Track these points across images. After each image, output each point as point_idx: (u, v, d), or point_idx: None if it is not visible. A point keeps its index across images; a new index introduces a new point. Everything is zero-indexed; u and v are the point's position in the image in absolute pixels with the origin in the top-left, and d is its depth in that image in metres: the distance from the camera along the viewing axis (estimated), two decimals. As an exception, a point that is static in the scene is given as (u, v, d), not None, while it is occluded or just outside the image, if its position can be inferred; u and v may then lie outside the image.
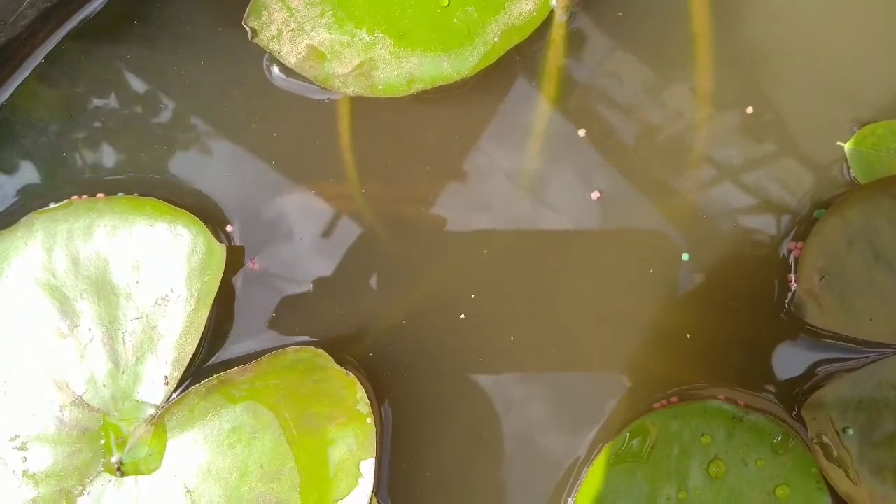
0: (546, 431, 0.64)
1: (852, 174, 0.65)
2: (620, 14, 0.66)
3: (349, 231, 0.65)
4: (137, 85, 0.66)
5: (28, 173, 0.65)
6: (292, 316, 0.64)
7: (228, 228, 0.65)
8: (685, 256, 0.64)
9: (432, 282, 0.65)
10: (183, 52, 0.66)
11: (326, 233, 0.65)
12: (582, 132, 0.66)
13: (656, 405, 0.63)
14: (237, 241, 0.65)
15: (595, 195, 0.65)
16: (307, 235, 0.65)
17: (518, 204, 0.66)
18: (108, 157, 0.66)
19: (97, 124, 0.66)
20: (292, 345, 0.62)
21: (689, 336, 0.64)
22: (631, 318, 0.64)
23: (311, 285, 0.65)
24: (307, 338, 0.64)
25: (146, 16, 0.67)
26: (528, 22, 0.64)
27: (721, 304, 0.64)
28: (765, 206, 0.66)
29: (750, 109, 0.66)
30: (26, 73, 0.66)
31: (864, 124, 0.66)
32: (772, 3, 0.68)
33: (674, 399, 0.63)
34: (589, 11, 0.66)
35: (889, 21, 0.68)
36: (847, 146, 0.66)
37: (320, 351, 0.60)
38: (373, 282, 0.65)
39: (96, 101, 0.66)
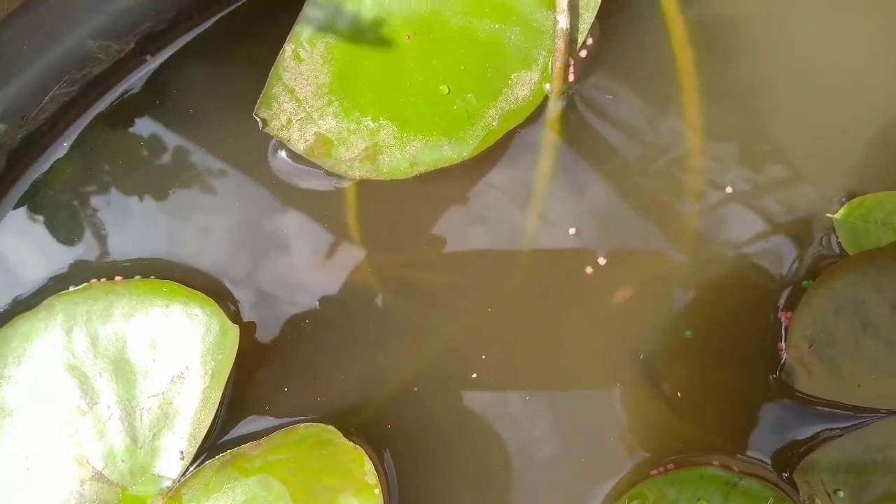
0: (551, 498, 0.66)
1: (840, 245, 0.68)
2: (611, 97, 0.70)
3: (356, 303, 0.68)
4: (154, 171, 0.69)
5: (48, 257, 0.68)
6: (302, 390, 0.67)
7: (239, 305, 0.68)
8: (688, 333, 0.67)
9: (438, 345, 0.68)
10: (198, 138, 0.69)
11: (334, 306, 0.68)
12: (579, 200, 0.69)
13: (653, 472, 0.65)
14: (247, 318, 0.67)
15: (596, 264, 0.68)
16: (313, 310, 0.68)
17: (519, 267, 0.69)
18: (124, 241, 0.68)
19: (113, 210, 0.69)
20: (302, 420, 0.65)
21: (679, 395, 0.66)
22: (631, 382, 0.67)
23: (320, 359, 0.67)
24: (315, 413, 0.66)
25: (163, 105, 0.70)
26: (525, 106, 0.67)
27: (714, 371, 0.67)
28: (756, 276, 0.68)
29: (741, 186, 0.69)
30: (49, 163, 0.68)
31: (853, 196, 0.68)
32: (763, 80, 0.71)
33: (670, 466, 0.65)
34: (582, 94, 0.70)
35: (875, 91, 0.71)
36: (836, 217, 0.68)
37: (329, 427, 0.62)
38: (379, 349, 0.68)
39: (113, 188, 0.69)
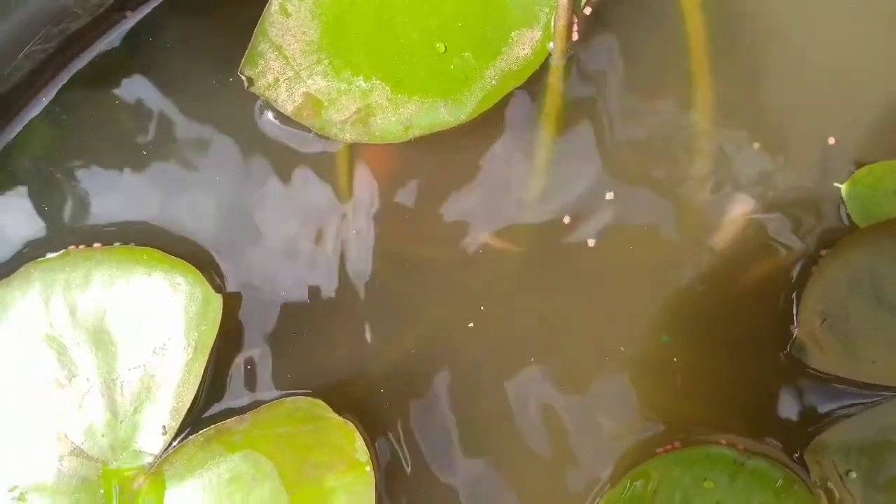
0: (548, 474, 0.64)
1: (850, 216, 0.65)
2: (617, 57, 0.66)
3: (347, 275, 0.65)
4: (133, 134, 0.66)
5: (25, 222, 0.65)
6: (290, 363, 0.64)
7: (224, 276, 0.65)
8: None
9: (432, 319, 0.65)
10: (179, 99, 0.66)
11: (323, 277, 0.65)
12: (587, 165, 0.66)
13: (659, 450, 0.63)
14: (232, 289, 0.65)
15: (600, 236, 0.65)
16: (302, 280, 0.65)
17: (518, 239, 0.66)
18: (104, 206, 0.66)
19: (92, 174, 0.66)
20: (290, 394, 0.62)
21: (679, 376, 0.64)
22: (632, 357, 0.65)
23: (310, 332, 0.65)
24: (305, 387, 0.64)
25: (143, 65, 0.67)
26: (526, 66, 0.64)
27: (723, 349, 0.65)
28: (765, 251, 0.66)
29: (747, 158, 0.66)
30: (23, 123, 0.66)
31: (862, 165, 0.66)
32: (773, 52, 0.68)
33: (676, 444, 0.63)
34: (586, 53, 0.67)
35: (883, 63, 0.68)
36: (844, 187, 0.66)
37: (318, 400, 0.60)
38: (371, 323, 0.65)
39: (90, 151, 0.66)
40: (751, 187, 0.66)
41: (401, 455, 0.64)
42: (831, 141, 0.67)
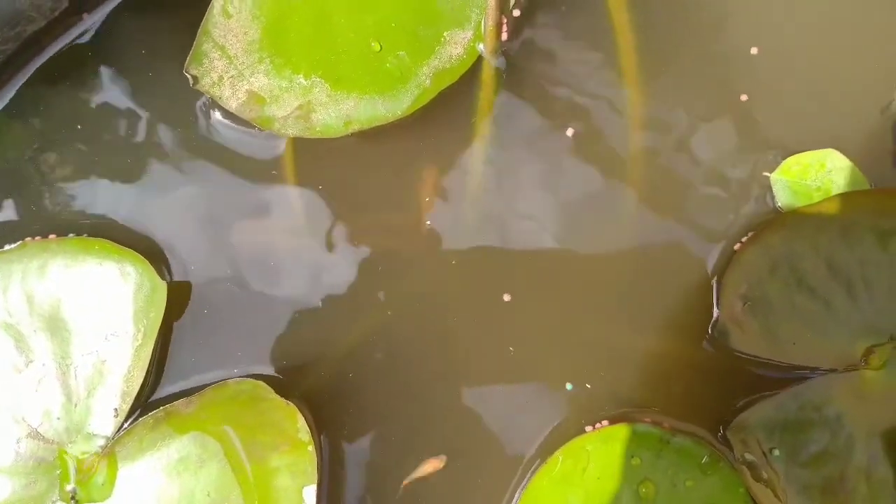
0: (485, 453, 0.66)
1: (777, 203, 0.68)
2: (545, 55, 0.69)
3: (294, 266, 0.68)
4: (89, 129, 0.69)
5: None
6: (238, 349, 0.67)
7: (173, 266, 0.68)
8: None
9: (380, 311, 0.68)
10: (134, 96, 0.69)
11: (272, 267, 0.68)
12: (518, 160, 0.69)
13: (588, 428, 0.65)
14: (180, 278, 0.68)
15: (535, 223, 0.68)
16: (252, 271, 0.68)
17: (462, 230, 0.69)
18: (60, 199, 0.68)
19: (48, 168, 0.69)
20: (236, 377, 0.65)
21: (607, 358, 0.66)
22: (562, 340, 0.67)
23: (256, 320, 0.67)
24: (252, 372, 0.67)
25: (100, 63, 0.70)
26: (459, 65, 0.67)
27: (649, 329, 0.67)
28: (692, 236, 0.68)
29: (677, 145, 0.69)
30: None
31: (790, 154, 0.68)
32: (698, 37, 0.70)
33: (604, 422, 0.65)
34: (516, 52, 0.69)
35: (815, 54, 0.71)
36: (773, 176, 0.68)
37: (261, 382, 0.62)
38: (319, 312, 0.68)
39: (47, 147, 0.69)
40: (683, 175, 0.69)
41: (345, 435, 0.66)
42: (766, 127, 0.69)
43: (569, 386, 0.66)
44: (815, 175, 0.67)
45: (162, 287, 0.64)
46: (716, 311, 0.66)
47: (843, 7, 0.71)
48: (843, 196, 0.66)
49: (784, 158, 0.68)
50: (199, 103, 0.68)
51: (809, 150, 0.68)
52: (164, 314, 0.64)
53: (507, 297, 0.68)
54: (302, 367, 0.67)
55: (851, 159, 0.67)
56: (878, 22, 0.71)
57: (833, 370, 0.64)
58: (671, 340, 0.67)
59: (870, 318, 0.64)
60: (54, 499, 0.63)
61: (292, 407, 0.62)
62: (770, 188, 0.68)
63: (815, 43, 0.71)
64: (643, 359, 0.67)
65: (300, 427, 0.63)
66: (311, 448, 0.62)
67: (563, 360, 0.67)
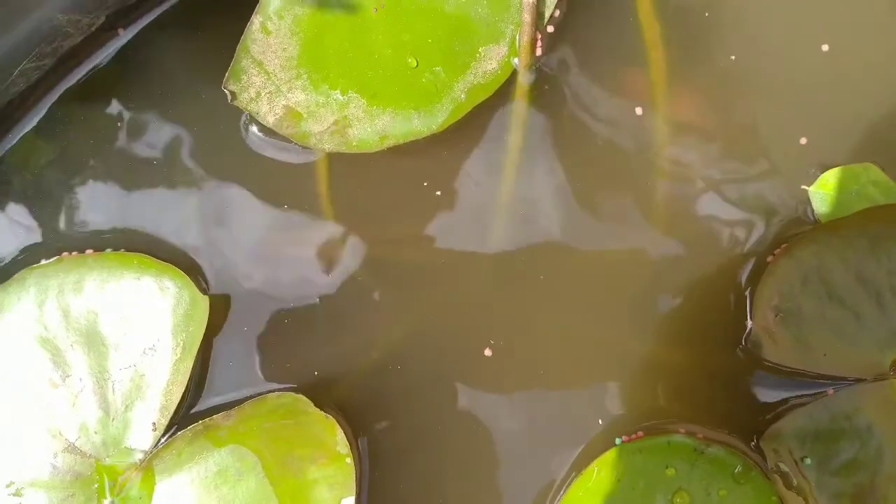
0: (521, 465, 0.67)
1: (816, 216, 0.69)
2: (579, 71, 0.70)
3: (329, 279, 0.69)
4: (125, 145, 0.69)
5: (21, 230, 0.68)
6: (274, 362, 0.67)
7: (210, 279, 0.68)
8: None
9: (410, 322, 0.68)
10: (168, 112, 0.70)
11: (306, 280, 0.68)
12: (552, 176, 0.70)
13: (624, 439, 0.66)
14: (218, 292, 0.68)
15: (571, 238, 0.69)
16: (286, 283, 0.68)
17: (492, 241, 0.69)
18: (96, 214, 0.69)
19: (85, 184, 0.69)
20: (274, 390, 0.65)
21: (642, 370, 0.67)
22: (596, 352, 0.68)
23: (293, 333, 0.68)
24: (287, 383, 0.67)
25: (134, 79, 0.70)
26: (493, 80, 0.68)
27: (684, 341, 0.68)
28: (730, 249, 0.69)
29: (712, 162, 0.70)
30: (18, 137, 0.69)
31: (827, 168, 0.69)
32: (734, 57, 0.71)
33: (640, 434, 0.66)
34: (550, 68, 0.70)
35: (848, 70, 0.71)
36: (811, 189, 0.69)
37: (300, 396, 0.63)
38: (352, 325, 0.68)
39: (83, 163, 0.69)
40: (716, 187, 0.70)
41: (382, 449, 0.67)
42: (803, 141, 0.70)
43: (603, 398, 0.67)
44: (853, 189, 0.68)
45: (203, 301, 0.64)
46: (749, 323, 0.67)
47: (880, 24, 0.72)
48: (871, 210, 0.67)
49: (822, 172, 0.69)
50: (235, 119, 0.69)
51: (847, 163, 0.69)
52: (205, 328, 0.64)
53: (539, 309, 0.68)
54: (336, 378, 0.67)
55: (889, 174, 0.68)
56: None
57: (863, 380, 0.65)
58: (704, 352, 0.68)
59: (898, 328, 0.65)
60: (92, 513, 0.63)
61: (331, 420, 0.63)
62: (808, 201, 0.69)
63: (851, 59, 0.72)
64: (677, 370, 0.68)
65: (339, 440, 0.63)
66: (349, 460, 0.63)
67: (598, 373, 0.68)
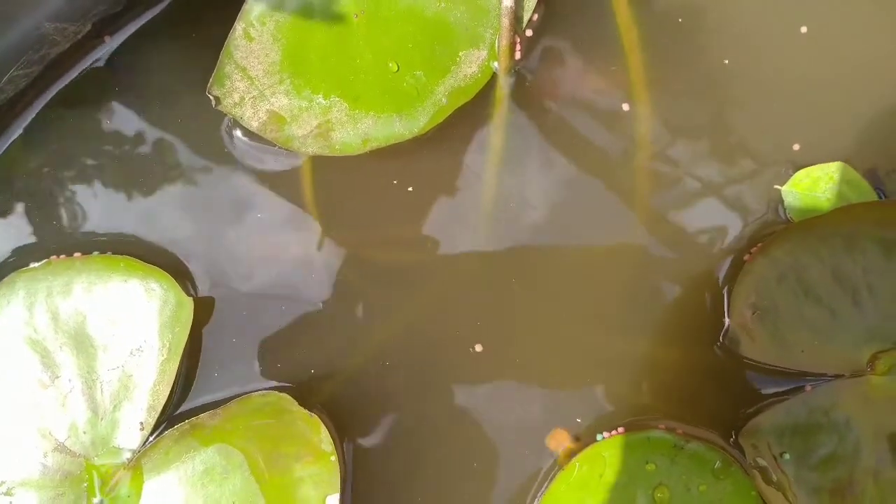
0: (505, 460, 0.68)
1: (788, 215, 0.70)
2: (558, 74, 0.71)
3: (313, 280, 0.70)
4: (111, 150, 0.71)
5: (9, 235, 0.69)
6: (260, 363, 0.68)
7: (196, 282, 0.69)
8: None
9: (398, 323, 0.70)
10: (154, 117, 0.71)
11: (292, 282, 0.70)
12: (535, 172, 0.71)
13: (605, 435, 0.67)
14: (204, 294, 0.69)
15: (541, 243, 0.70)
16: (272, 285, 0.69)
17: (475, 242, 0.70)
18: (84, 218, 0.70)
19: (72, 189, 0.70)
20: (259, 390, 0.66)
21: (621, 367, 0.68)
22: (577, 350, 0.69)
23: (278, 333, 0.69)
24: (274, 383, 0.68)
25: (120, 85, 0.71)
26: (473, 83, 0.69)
27: (663, 338, 0.69)
28: (705, 247, 0.70)
29: (688, 161, 0.71)
30: (6, 143, 0.70)
31: (800, 167, 0.71)
32: (721, 46, 0.73)
33: (620, 430, 0.67)
34: (530, 71, 0.71)
35: (830, 68, 0.73)
36: (784, 188, 0.70)
37: (285, 395, 0.64)
38: (337, 326, 0.69)
39: (71, 168, 0.70)
40: (694, 187, 0.71)
41: (368, 446, 0.68)
42: (777, 141, 0.71)
43: (585, 395, 0.68)
44: (825, 187, 0.69)
45: (188, 303, 0.65)
46: (726, 320, 0.68)
47: (854, 23, 0.73)
48: (846, 209, 0.68)
49: (794, 171, 0.70)
50: (220, 123, 0.70)
51: (819, 163, 0.70)
52: (190, 329, 0.65)
53: (523, 308, 0.69)
54: (323, 378, 0.68)
55: (861, 172, 0.69)
56: (887, 37, 0.73)
57: (840, 376, 0.66)
58: (683, 349, 0.69)
59: (875, 325, 0.66)
60: (81, 511, 0.64)
61: (315, 418, 0.64)
62: (781, 201, 0.70)
63: (823, 58, 0.73)
64: (658, 368, 0.69)
65: (323, 438, 0.64)
66: (333, 458, 0.64)
67: (578, 370, 0.69)
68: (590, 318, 0.69)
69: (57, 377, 0.65)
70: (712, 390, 0.68)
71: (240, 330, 0.69)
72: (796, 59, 0.72)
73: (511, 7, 0.67)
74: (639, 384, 0.68)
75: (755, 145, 0.71)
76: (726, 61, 0.72)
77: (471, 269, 0.70)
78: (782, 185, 0.70)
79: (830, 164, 0.70)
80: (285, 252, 0.70)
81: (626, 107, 0.71)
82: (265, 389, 0.67)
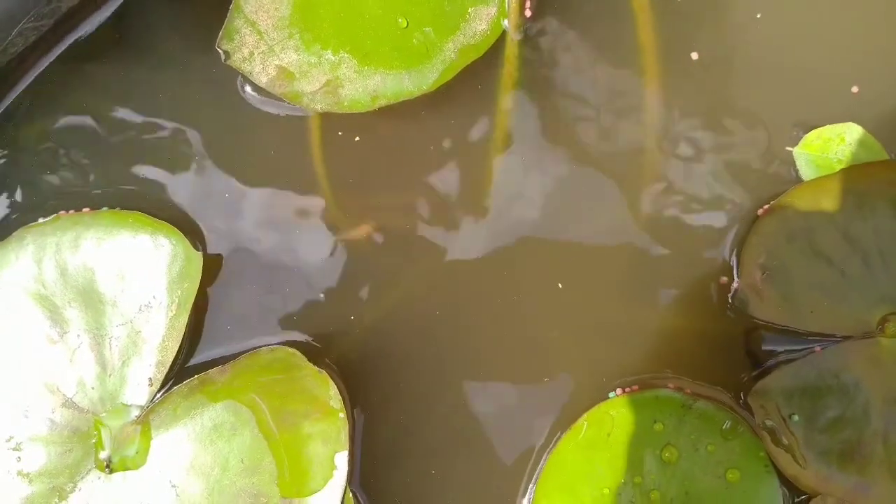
0: (512, 422, 0.68)
1: (800, 177, 0.70)
2: (567, 34, 0.71)
3: (322, 238, 0.70)
4: (120, 106, 0.71)
5: (18, 190, 0.70)
6: (267, 320, 0.68)
7: (206, 238, 0.69)
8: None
9: (406, 285, 0.69)
10: (163, 74, 0.71)
11: (299, 240, 0.69)
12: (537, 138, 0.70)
13: (612, 394, 0.67)
14: (213, 250, 0.69)
15: (546, 207, 0.70)
16: (280, 243, 0.69)
17: (481, 206, 0.70)
18: (93, 173, 0.70)
19: (81, 143, 0.70)
20: (269, 345, 0.66)
21: (630, 328, 0.68)
22: (587, 316, 0.69)
23: (285, 292, 0.69)
24: (284, 338, 0.68)
25: (129, 41, 0.71)
26: (483, 40, 0.68)
27: (672, 301, 0.69)
28: (715, 207, 0.70)
29: (698, 126, 0.71)
30: (15, 96, 0.70)
31: (810, 129, 0.70)
32: (720, 25, 0.72)
33: (629, 389, 0.67)
34: (540, 30, 0.71)
35: (836, 29, 0.72)
36: (795, 150, 0.70)
37: (294, 350, 0.64)
38: (347, 286, 0.69)
39: (80, 123, 0.70)
40: (702, 152, 0.70)
41: (376, 402, 0.68)
42: (786, 102, 0.70)
43: (592, 355, 0.68)
44: (836, 148, 0.69)
45: (196, 257, 0.65)
46: (736, 281, 0.68)
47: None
48: (856, 168, 0.68)
49: (805, 133, 0.70)
50: (231, 81, 0.70)
51: (830, 124, 0.70)
52: (199, 285, 0.65)
53: (534, 275, 0.69)
54: (332, 336, 0.68)
55: (871, 132, 0.69)
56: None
57: (850, 337, 0.66)
58: (693, 311, 0.68)
59: (885, 286, 0.66)
60: (89, 467, 0.64)
61: (324, 375, 0.64)
62: (793, 163, 0.70)
63: (831, 18, 0.72)
64: (666, 330, 0.68)
65: (332, 395, 0.64)
66: (342, 415, 0.64)
67: (588, 333, 0.68)
68: (599, 285, 0.69)
69: (65, 333, 0.65)
70: (722, 352, 0.68)
71: (250, 288, 0.69)
72: (809, 22, 0.72)
73: (521, -37, 0.67)
74: (649, 347, 0.68)
75: (765, 109, 0.71)
76: (737, 24, 0.71)
77: (478, 237, 0.70)
78: (794, 146, 0.70)
79: (840, 124, 0.69)
80: (294, 211, 0.70)
81: (634, 69, 0.71)
82: (275, 345, 0.66)
